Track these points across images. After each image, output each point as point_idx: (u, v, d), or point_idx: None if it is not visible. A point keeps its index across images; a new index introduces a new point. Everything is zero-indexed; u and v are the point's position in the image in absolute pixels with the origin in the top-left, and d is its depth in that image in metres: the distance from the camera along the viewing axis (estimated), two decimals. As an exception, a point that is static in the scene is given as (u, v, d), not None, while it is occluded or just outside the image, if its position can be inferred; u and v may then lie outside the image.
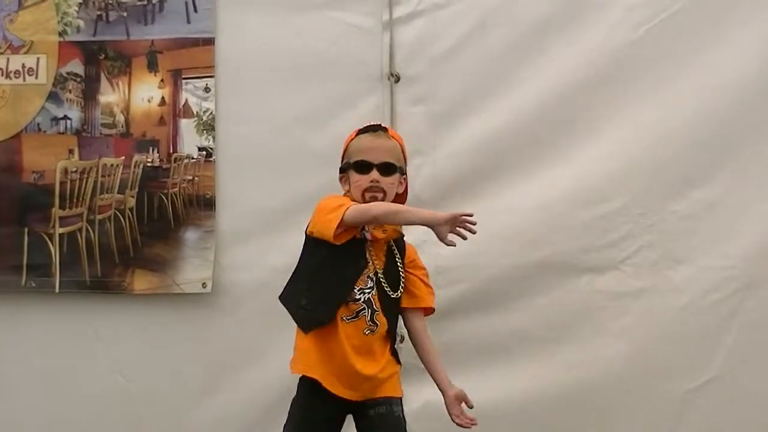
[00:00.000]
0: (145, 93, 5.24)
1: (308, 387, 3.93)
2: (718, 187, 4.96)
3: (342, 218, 3.74)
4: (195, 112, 5.20)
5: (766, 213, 4.96)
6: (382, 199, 3.89)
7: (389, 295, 3.94)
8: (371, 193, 3.89)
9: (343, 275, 3.89)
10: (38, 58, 5.26)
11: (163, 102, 5.22)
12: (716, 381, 4.96)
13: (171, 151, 5.22)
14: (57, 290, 5.24)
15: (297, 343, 3.96)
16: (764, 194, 4.96)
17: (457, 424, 4.00)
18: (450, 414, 4.02)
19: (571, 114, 4.99)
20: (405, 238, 4.17)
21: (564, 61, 5.00)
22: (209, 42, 5.15)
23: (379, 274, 3.93)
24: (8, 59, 5.27)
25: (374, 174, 3.90)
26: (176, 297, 5.17)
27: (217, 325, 5.16)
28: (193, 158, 5.20)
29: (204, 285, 5.11)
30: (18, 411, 5.29)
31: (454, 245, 3.82)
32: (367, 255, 3.92)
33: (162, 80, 5.22)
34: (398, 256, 4.03)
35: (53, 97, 5.27)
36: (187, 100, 5.21)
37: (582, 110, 4.99)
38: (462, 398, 4.03)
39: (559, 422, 4.98)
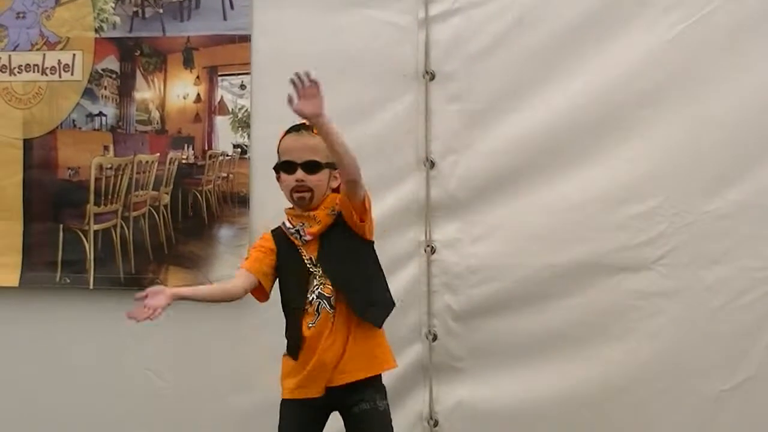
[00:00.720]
0: (181, 90, 5.28)
1: (283, 405, 4.09)
2: (753, 187, 4.94)
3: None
4: (230, 109, 5.25)
5: (801, 213, 4.95)
6: (310, 198, 3.97)
7: (339, 271, 3.98)
8: (298, 193, 3.98)
9: (292, 292, 4.04)
10: (74, 55, 5.32)
11: (198, 99, 5.27)
12: (751, 381, 4.95)
13: (206, 148, 5.26)
14: (91, 286, 5.31)
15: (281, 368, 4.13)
16: (799, 194, 4.95)
17: None
18: None
19: (606, 113, 5.00)
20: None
21: (599, 60, 5.01)
22: (245, 39, 5.20)
23: (316, 264, 3.99)
24: (44, 55, 5.33)
25: (299, 173, 3.97)
26: (210, 293, 5.20)
27: (249, 322, 5.17)
28: (227, 155, 5.25)
29: (235, 281, 5.13)
30: (52, 406, 5.36)
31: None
32: (304, 259, 4.01)
33: (198, 77, 5.26)
34: (337, 227, 4.04)
35: (88, 93, 5.32)
36: (222, 97, 5.26)
37: (617, 109, 4.99)
38: None
39: (592, 421, 5.00)
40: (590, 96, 5.01)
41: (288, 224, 4.06)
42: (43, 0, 5.32)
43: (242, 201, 5.22)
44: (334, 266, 3.97)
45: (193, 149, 5.28)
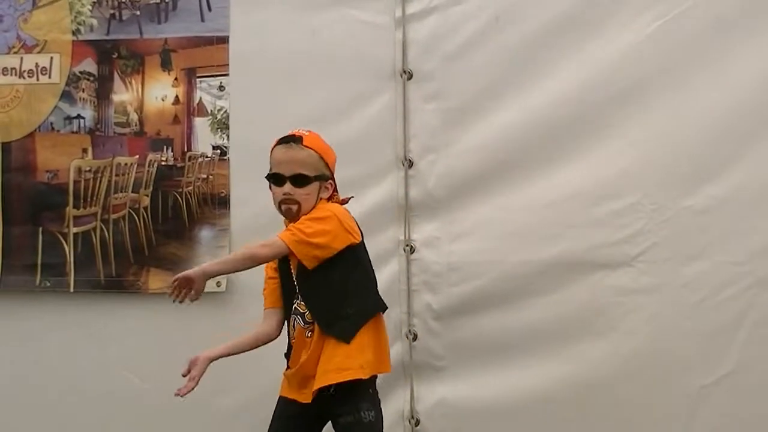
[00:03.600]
0: (159, 92, 5.37)
1: (279, 400, 4.21)
2: (731, 183, 5.01)
3: None
4: (209, 111, 5.34)
5: (780, 209, 5.04)
6: (297, 210, 4.02)
7: (307, 287, 4.06)
8: (286, 205, 4.05)
9: (285, 303, 4.17)
10: (51, 57, 5.41)
11: (177, 100, 5.36)
12: (731, 376, 5.02)
13: (185, 150, 5.36)
14: (71, 290, 5.40)
15: None
16: (778, 190, 5.04)
17: None
18: None
19: (584, 110, 5.07)
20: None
21: (577, 58, 5.08)
22: (223, 40, 5.29)
23: (296, 280, 4.10)
24: (22, 58, 5.43)
25: (287, 187, 4.03)
26: (191, 296, 5.28)
27: (230, 324, 5.13)
28: (207, 157, 5.34)
29: (218, 284, 5.22)
30: (32, 410, 5.45)
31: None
32: (291, 271, 4.11)
33: (176, 79, 5.35)
34: None
35: (66, 96, 5.42)
36: (201, 98, 5.35)
37: (595, 107, 5.06)
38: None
39: (573, 418, 5.08)
40: (568, 94, 5.08)
41: None
42: (20, 3, 5.42)
43: (222, 202, 5.31)
44: (304, 284, 4.06)
45: (172, 151, 5.36)
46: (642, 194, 5.05)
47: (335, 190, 4.18)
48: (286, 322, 4.15)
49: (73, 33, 5.39)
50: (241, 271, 4.04)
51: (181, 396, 3.98)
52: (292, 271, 4.08)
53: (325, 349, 4.00)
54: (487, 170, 5.14)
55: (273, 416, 4.19)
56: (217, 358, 4.11)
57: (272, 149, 4.13)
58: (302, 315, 4.04)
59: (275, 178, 4.06)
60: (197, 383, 4.00)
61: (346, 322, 4.03)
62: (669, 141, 5.05)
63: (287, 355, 4.15)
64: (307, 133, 4.12)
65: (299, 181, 4.02)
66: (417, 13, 5.17)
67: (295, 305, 4.06)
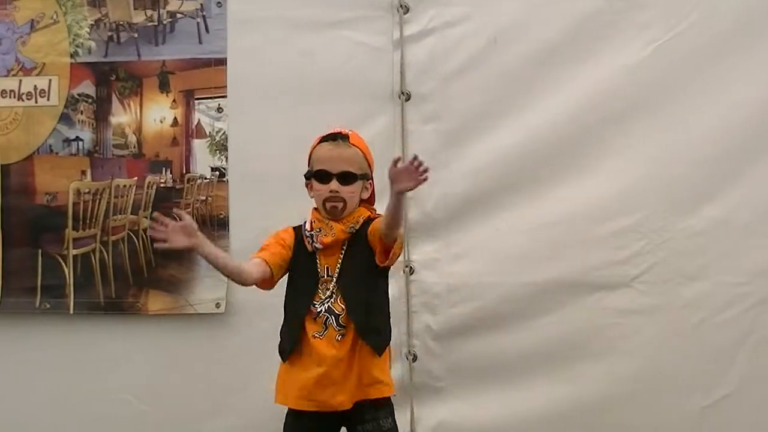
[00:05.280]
0: (157, 114, 5.42)
1: (291, 415, 4.15)
2: (730, 203, 5.07)
3: None
4: (207, 133, 5.39)
5: (779, 228, 5.07)
6: (342, 208, 4.05)
7: (354, 292, 4.06)
8: (331, 203, 4.06)
9: (298, 295, 4.12)
10: (50, 80, 5.46)
11: (175, 122, 5.41)
12: (731, 397, 5.09)
13: (184, 172, 5.40)
14: (71, 311, 5.44)
15: (278, 372, 4.18)
16: (777, 210, 5.08)
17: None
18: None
19: (583, 131, 5.14)
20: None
21: (575, 79, 5.14)
22: (221, 62, 5.34)
23: (334, 278, 4.08)
24: (20, 81, 5.47)
25: (333, 184, 4.05)
26: (190, 317, 5.36)
27: (230, 345, 5.34)
28: (206, 178, 5.39)
29: (218, 305, 5.30)
30: (31, 431, 5.49)
31: None
32: (318, 266, 4.10)
33: (174, 101, 5.40)
34: (360, 246, 4.11)
35: (65, 118, 5.46)
36: (199, 120, 5.39)
37: (593, 128, 5.12)
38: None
39: (573, 440, 5.12)
40: (566, 114, 5.14)
41: (308, 226, 4.13)
42: (19, 26, 5.46)
43: (221, 223, 5.34)
44: (351, 285, 4.05)
45: (171, 173, 5.40)
46: (641, 215, 5.11)
47: (373, 192, 4.22)
48: (296, 315, 4.07)
49: (71, 55, 5.44)
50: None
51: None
52: (322, 262, 4.08)
53: (359, 358, 4.02)
54: (485, 191, 5.19)
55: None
56: (201, 253, 3.94)
57: (314, 147, 4.15)
58: (337, 316, 4.02)
59: (321, 176, 4.08)
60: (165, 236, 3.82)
61: (381, 337, 4.08)
62: (667, 162, 5.11)
63: (288, 353, 4.09)
64: (351, 132, 4.16)
65: (346, 178, 4.05)
66: (415, 34, 5.22)
67: (330, 304, 4.03)
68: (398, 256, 4.05)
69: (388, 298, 4.18)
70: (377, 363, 4.05)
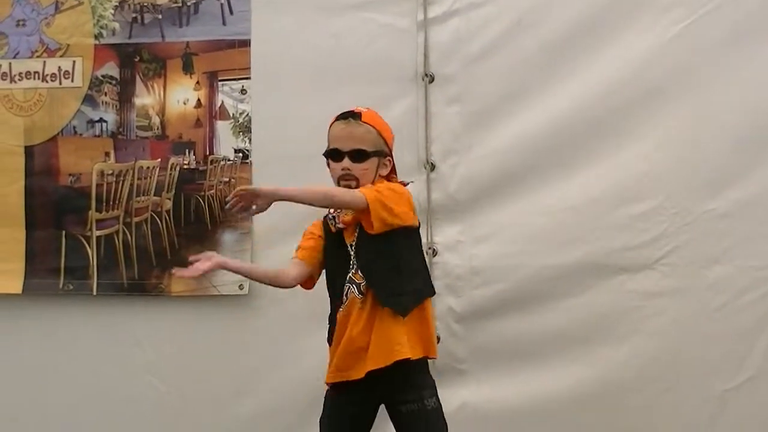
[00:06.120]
0: (181, 95, 5.47)
1: (328, 391, 4.21)
2: (753, 186, 5.07)
3: None
4: (231, 114, 5.42)
5: (803, 212, 5.08)
6: (356, 186, 4.05)
7: (366, 260, 4.08)
8: (345, 181, 4.09)
9: (336, 277, 4.15)
10: (74, 61, 5.51)
11: (199, 104, 5.45)
12: (755, 380, 5.09)
13: (207, 153, 5.44)
14: (94, 293, 5.50)
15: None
16: (800, 193, 5.08)
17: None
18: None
19: (606, 114, 5.13)
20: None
21: (599, 60, 5.14)
22: (245, 44, 5.37)
23: (353, 250, 4.11)
24: (45, 62, 5.52)
25: (345, 162, 4.09)
26: (213, 299, 5.40)
27: (253, 326, 5.39)
28: (229, 160, 5.43)
29: (241, 287, 5.34)
30: (55, 412, 5.56)
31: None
32: (346, 244, 4.13)
33: (198, 82, 5.44)
34: None
35: (89, 99, 5.52)
36: (223, 102, 5.43)
37: (616, 110, 5.12)
38: None
39: (595, 422, 5.14)
40: (590, 96, 5.14)
41: (330, 210, 4.19)
42: (43, 7, 5.51)
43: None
44: (364, 254, 4.07)
45: (194, 154, 5.45)
46: (664, 197, 5.10)
47: (393, 169, 4.25)
48: (334, 297, 4.13)
49: (96, 37, 5.48)
50: (309, 204, 3.97)
51: (175, 275, 4.00)
52: (347, 240, 4.12)
53: (378, 323, 4.03)
54: (509, 173, 5.20)
55: (324, 406, 4.21)
56: (229, 269, 4.14)
57: (330, 126, 4.18)
58: (358, 285, 4.05)
59: (333, 154, 4.12)
60: (196, 275, 3.98)
61: (402, 297, 4.06)
62: (690, 144, 5.11)
63: (330, 335, 4.15)
64: (365, 110, 4.19)
65: (357, 156, 4.08)
66: (439, 16, 5.23)
67: (350, 275, 4.06)
68: (387, 218, 3.97)
69: (414, 258, 4.17)
70: (398, 326, 4.03)
